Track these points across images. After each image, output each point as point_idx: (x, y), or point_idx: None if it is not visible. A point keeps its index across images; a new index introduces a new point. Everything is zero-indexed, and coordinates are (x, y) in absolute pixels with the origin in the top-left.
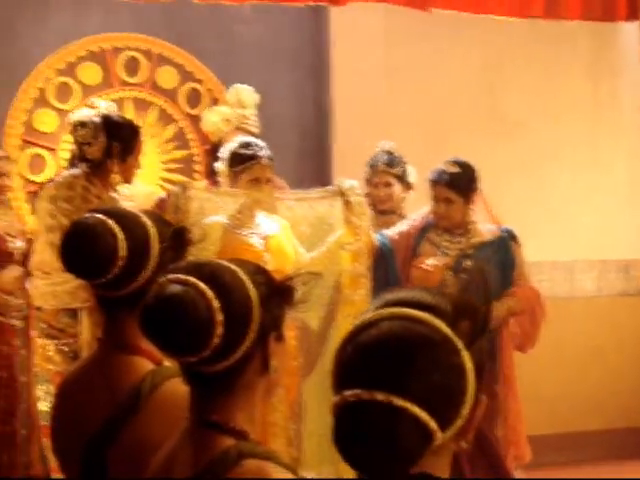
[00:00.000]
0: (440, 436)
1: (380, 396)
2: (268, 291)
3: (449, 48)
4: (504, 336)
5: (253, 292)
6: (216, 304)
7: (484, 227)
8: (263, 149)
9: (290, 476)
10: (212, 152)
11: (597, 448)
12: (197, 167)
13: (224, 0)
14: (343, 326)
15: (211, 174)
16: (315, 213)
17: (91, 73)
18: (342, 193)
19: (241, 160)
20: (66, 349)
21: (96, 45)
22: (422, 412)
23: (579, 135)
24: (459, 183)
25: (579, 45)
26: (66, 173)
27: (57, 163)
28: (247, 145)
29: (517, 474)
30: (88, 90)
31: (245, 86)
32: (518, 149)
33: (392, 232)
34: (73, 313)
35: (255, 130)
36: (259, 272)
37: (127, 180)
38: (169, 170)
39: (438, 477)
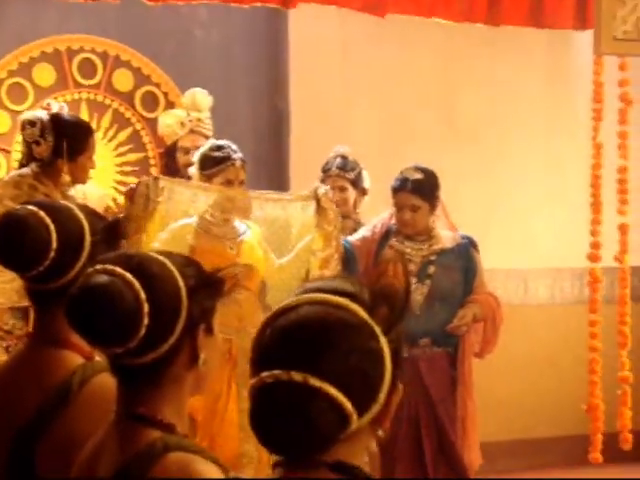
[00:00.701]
0: (356, 419)
1: (297, 376)
2: (197, 283)
3: (406, 54)
4: (466, 342)
5: (181, 284)
6: (143, 295)
7: (443, 234)
8: (236, 151)
9: (216, 470)
10: (166, 155)
11: (549, 455)
12: (152, 170)
13: (176, 0)
14: None
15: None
16: (286, 215)
17: (45, 74)
18: (317, 198)
19: (214, 162)
20: (12, 350)
21: (51, 46)
22: (338, 393)
23: (534, 143)
24: (423, 189)
25: (535, 53)
26: (14, 172)
27: (10, 164)
28: (219, 147)
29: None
30: (42, 91)
31: (200, 89)
32: (473, 156)
33: (354, 238)
34: (22, 314)
35: (209, 133)
36: (189, 264)
37: (80, 180)
38: (124, 173)
39: (354, 465)
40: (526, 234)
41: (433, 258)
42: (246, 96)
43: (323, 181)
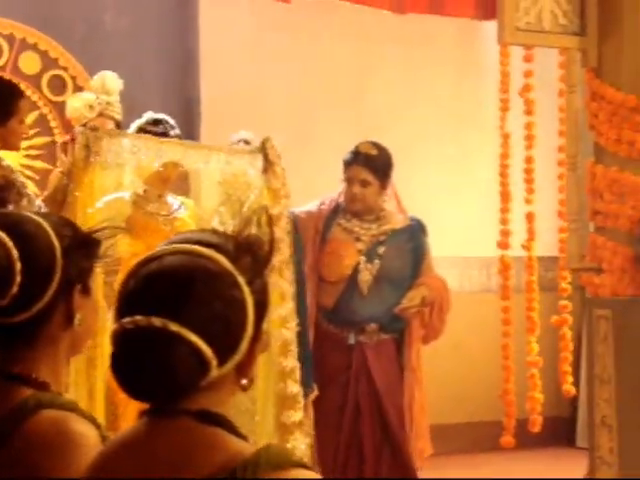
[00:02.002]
0: (216, 366)
1: (156, 321)
2: (73, 243)
3: (317, 41)
4: (413, 326)
5: (56, 243)
6: (15, 253)
7: (393, 215)
8: (173, 127)
9: (90, 427)
10: (74, 139)
11: (457, 441)
12: (62, 156)
13: None
14: None
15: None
16: (232, 169)
17: None
18: (265, 151)
19: None
20: None
21: None
22: (198, 339)
23: (444, 132)
24: (376, 165)
25: (444, 42)
26: None
27: None
28: (157, 122)
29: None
30: None
31: (110, 72)
32: (383, 143)
33: (299, 210)
34: None
35: (118, 117)
36: (65, 224)
37: (12, 146)
38: (30, 157)
39: (218, 413)
40: (435, 223)
41: (383, 238)
42: (156, 82)
43: None
